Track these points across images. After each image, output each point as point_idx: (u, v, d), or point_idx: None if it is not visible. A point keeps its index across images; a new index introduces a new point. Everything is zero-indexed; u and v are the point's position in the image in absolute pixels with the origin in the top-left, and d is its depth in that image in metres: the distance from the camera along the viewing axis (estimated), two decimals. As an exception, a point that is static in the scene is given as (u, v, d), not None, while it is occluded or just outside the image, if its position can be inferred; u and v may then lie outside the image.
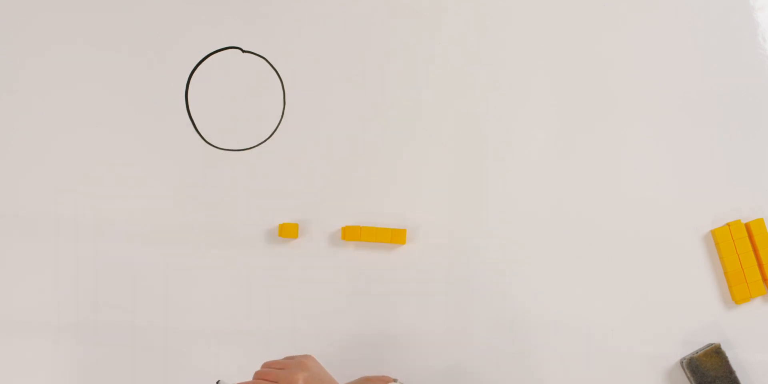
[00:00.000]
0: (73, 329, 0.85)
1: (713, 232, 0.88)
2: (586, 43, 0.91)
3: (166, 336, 0.85)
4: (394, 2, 0.90)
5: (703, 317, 0.88)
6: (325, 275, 0.87)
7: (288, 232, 0.86)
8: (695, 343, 0.87)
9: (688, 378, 0.86)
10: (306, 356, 0.72)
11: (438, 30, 0.90)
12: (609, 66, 0.90)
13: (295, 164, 0.88)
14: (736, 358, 0.86)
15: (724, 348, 0.85)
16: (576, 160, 0.89)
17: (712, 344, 0.86)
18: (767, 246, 0.88)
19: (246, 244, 0.87)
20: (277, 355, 0.85)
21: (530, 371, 0.86)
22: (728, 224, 0.88)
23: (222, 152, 0.88)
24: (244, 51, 0.88)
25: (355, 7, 0.90)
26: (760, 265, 0.88)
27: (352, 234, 0.86)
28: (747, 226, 0.88)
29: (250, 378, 0.85)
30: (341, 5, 0.90)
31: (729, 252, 0.87)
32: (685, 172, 0.89)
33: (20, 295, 0.86)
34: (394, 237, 0.86)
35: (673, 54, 0.91)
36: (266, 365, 0.72)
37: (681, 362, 0.87)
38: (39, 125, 0.88)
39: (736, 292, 0.87)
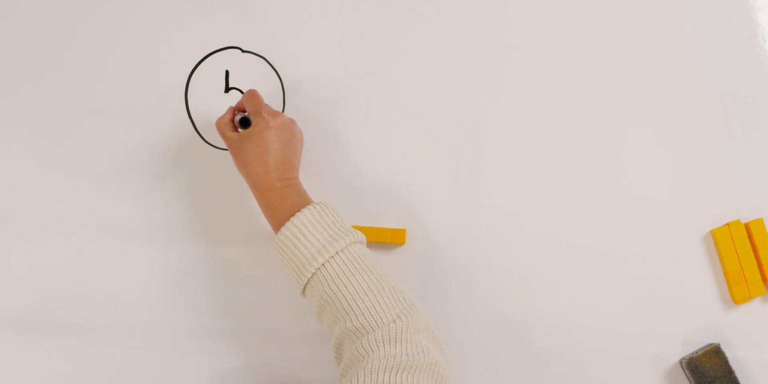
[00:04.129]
0: (71, 328, 0.85)
1: (713, 232, 0.88)
2: (586, 43, 0.91)
3: (166, 335, 0.85)
4: (394, 2, 0.90)
5: (703, 317, 0.88)
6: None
7: (288, 232, 0.86)
8: (695, 343, 0.87)
9: (688, 378, 0.86)
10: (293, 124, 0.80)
11: (438, 30, 0.90)
12: (609, 66, 0.91)
13: (295, 164, 0.88)
14: (735, 358, 0.86)
15: (723, 348, 0.85)
16: (575, 160, 0.89)
17: (711, 344, 0.86)
18: (767, 246, 0.88)
19: (246, 243, 0.87)
20: (276, 354, 0.85)
21: (530, 371, 0.86)
22: (728, 224, 0.88)
23: (222, 152, 0.88)
24: (244, 51, 0.88)
25: (355, 7, 0.90)
26: (759, 265, 0.88)
27: (352, 234, 0.86)
28: (746, 226, 0.88)
29: (250, 377, 0.85)
30: (341, 5, 0.90)
31: (728, 252, 0.87)
32: (685, 172, 0.90)
33: (26, 291, 0.86)
34: (394, 237, 0.86)
35: (673, 54, 0.91)
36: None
37: (680, 362, 0.87)
38: (39, 123, 0.88)
39: (736, 293, 0.87)
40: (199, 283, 0.86)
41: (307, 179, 0.86)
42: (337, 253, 0.69)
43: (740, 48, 0.91)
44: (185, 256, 0.87)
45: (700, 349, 0.86)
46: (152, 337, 0.85)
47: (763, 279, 0.88)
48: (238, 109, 0.81)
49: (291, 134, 0.78)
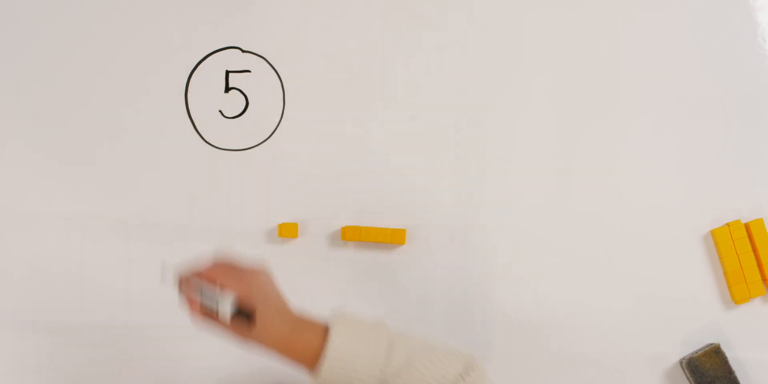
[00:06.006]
0: (71, 328, 0.85)
1: (713, 232, 0.88)
2: (586, 42, 0.91)
3: (166, 335, 0.85)
4: (395, 2, 0.90)
5: (703, 317, 0.88)
6: (325, 275, 0.87)
7: (288, 232, 0.86)
8: (695, 343, 0.87)
9: (688, 378, 0.86)
10: (260, 269, 0.68)
11: (438, 30, 0.90)
12: (609, 66, 0.90)
13: (295, 164, 0.88)
14: (735, 358, 0.86)
15: (723, 348, 0.85)
16: (576, 160, 0.89)
17: (711, 344, 0.86)
18: (767, 246, 0.88)
19: (246, 244, 0.86)
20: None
21: (530, 371, 0.86)
22: (728, 224, 0.88)
23: (222, 152, 0.88)
24: (243, 51, 0.88)
25: (355, 7, 0.90)
26: (759, 265, 0.88)
27: (352, 234, 0.86)
28: (746, 226, 0.88)
29: (250, 378, 0.85)
30: (341, 6, 0.90)
31: (728, 252, 0.87)
32: (685, 172, 0.89)
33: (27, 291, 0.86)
34: (394, 237, 0.86)
35: (674, 54, 0.91)
36: (215, 263, 0.69)
37: (680, 362, 0.87)
38: (39, 123, 0.88)
39: (736, 293, 0.87)
40: (199, 283, 0.86)
41: (306, 178, 0.87)
42: (388, 346, 0.66)
43: (740, 48, 0.91)
44: (185, 256, 0.87)
45: (700, 349, 0.86)
46: (152, 337, 0.85)
47: (763, 279, 0.88)
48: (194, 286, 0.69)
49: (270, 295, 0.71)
